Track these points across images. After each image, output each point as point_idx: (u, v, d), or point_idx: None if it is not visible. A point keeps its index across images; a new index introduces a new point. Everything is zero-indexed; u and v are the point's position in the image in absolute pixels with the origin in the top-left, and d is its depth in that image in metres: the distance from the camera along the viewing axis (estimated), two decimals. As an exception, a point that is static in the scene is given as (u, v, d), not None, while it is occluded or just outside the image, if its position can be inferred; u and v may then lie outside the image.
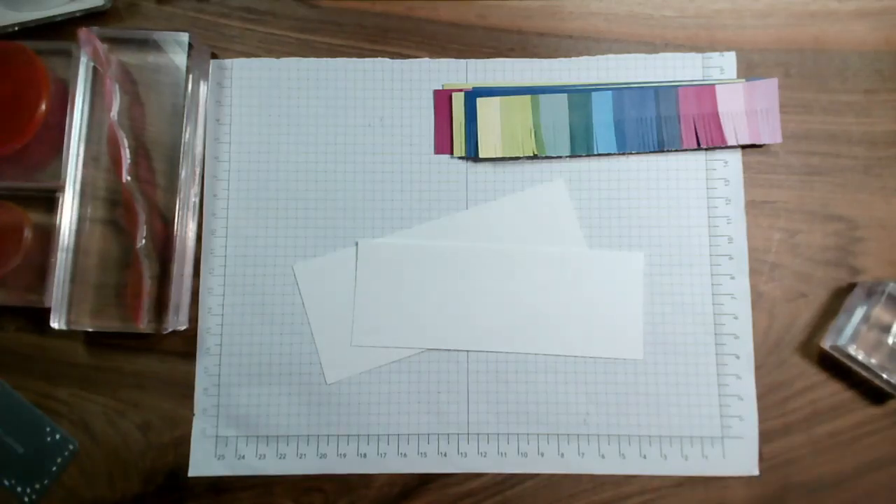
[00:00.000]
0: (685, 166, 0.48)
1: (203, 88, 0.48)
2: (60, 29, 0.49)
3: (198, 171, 0.48)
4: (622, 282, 0.47)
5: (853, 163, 0.49)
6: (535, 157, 0.48)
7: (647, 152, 0.48)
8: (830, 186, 0.48)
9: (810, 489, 0.46)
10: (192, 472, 0.46)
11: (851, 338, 0.44)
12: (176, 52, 0.47)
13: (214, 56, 0.50)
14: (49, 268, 0.45)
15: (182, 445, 0.46)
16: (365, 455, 0.46)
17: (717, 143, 0.48)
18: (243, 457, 0.46)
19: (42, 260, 0.46)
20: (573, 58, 0.50)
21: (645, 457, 0.46)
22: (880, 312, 0.44)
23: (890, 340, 0.44)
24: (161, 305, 0.45)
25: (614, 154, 0.48)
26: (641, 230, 0.48)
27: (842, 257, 0.48)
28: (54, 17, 0.49)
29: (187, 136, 0.46)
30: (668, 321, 0.47)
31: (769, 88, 0.48)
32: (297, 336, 0.47)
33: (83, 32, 0.46)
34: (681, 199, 0.48)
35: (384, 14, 0.50)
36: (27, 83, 0.46)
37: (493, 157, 0.48)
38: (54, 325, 0.44)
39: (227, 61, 0.50)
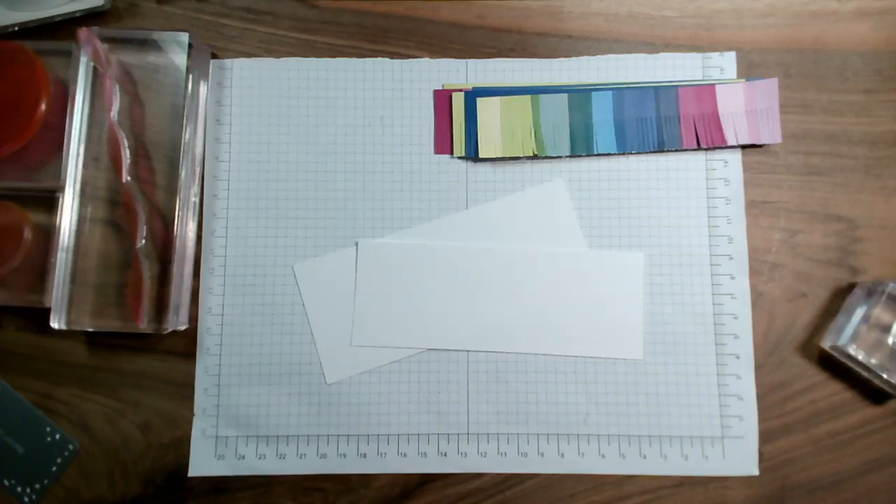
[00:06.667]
0: (685, 166, 0.48)
1: (203, 88, 0.48)
2: (60, 29, 0.49)
3: (198, 171, 0.48)
4: (622, 282, 0.47)
5: (853, 163, 0.49)
6: (535, 157, 0.48)
7: (647, 152, 0.48)
8: (830, 186, 0.48)
9: (810, 489, 0.46)
10: (192, 473, 0.46)
11: (851, 338, 0.44)
12: (176, 52, 0.47)
13: (214, 56, 0.50)
14: (49, 268, 0.45)
15: (182, 445, 0.46)
16: (365, 455, 0.46)
17: (717, 143, 0.48)
18: (243, 457, 0.46)
19: (42, 260, 0.46)
20: (573, 58, 0.50)
21: (645, 457, 0.46)
22: (880, 312, 0.44)
23: (890, 340, 0.44)
24: (161, 305, 0.45)
25: (614, 154, 0.48)
26: (641, 230, 0.48)
27: (842, 257, 0.48)
28: (54, 17, 0.49)
29: (187, 136, 0.46)
30: (668, 321, 0.47)
31: (769, 88, 0.48)
32: (297, 336, 0.47)
33: (83, 32, 0.46)
34: (681, 199, 0.48)
35: (384, 14, 0.50)
36: (27, 83, 0.46)
37: (493, 157, 0.48)
38: (54, 325, 0.44)
39: (227, 61, 0.50)
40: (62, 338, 0.47)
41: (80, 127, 0.46)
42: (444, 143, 0.49)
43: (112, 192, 0.46)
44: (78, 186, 0.46)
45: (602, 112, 0.48)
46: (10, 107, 0.46)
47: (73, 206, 0.46)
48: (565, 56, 0.50)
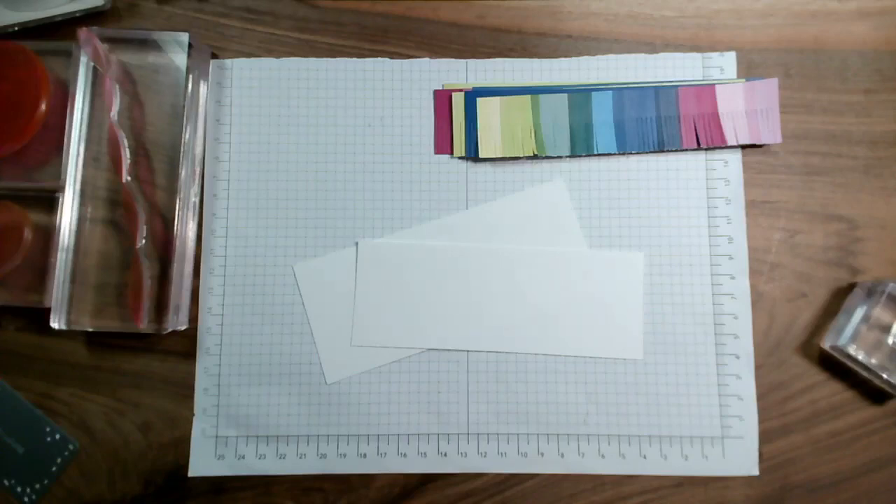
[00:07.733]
0: (685, 166, 0.48)
1: (203, 88, 0.48)
2: (60, 29, 0.49)
3: (198, 171, 0.48)
4: (622, 282, 0.47)
5: (853, 163, 0.49)
6: (535, 157, 0.48)
7: (647, 152, 0.48)
8: (830, 186, 0.48)
9: (810, 489, 0.46)
10: (192, 473, 0.46)
11: (851, 338, 0.44)
12: (176, 52, 0.47)
13: (214, 56, 0.50)
14: (49, 268, 0.45)
15: (182, 445, 0.46)
16: (365, 455, 0.46)
17: (717, 143, 0.48)
18: (243, 457, 0.46)
19: (42, 260, 0.46)
20: (573, 58, 0.50)
21: (645, 457, 0.46)
22: (880, 312, 0.44)
23: (890, 340, 0.44)
24: (161, 305, 0.45)
25: (614, 154, 0.48)
26: (641, 230, 0.48)
27: (842, 257, 0.48)
28: (54, 17, 0.49)
29: (187, 136, 0.46)
30: (668, 321, 0.47)
31: (769, 88, 0.48)
32: (297, 336, 0.47)
33: (83, 32, 0.46)
34: (681, 199, 0.48)
35: (384, 14, 0.50)
36: (27, 83, 0.46)
37: (493, 157, 0.48)
38: (54, 325, 0.44)
39: (227, 61, 0.50)
40: (62, 338, 0.47)
41: (80, 127, 0.46)
42: (444, 143, 0.49)
43: (112, 192, 0.46)
44: (78, 186, 0.46)
45: (602, 112, 0.48)
46: (10, 107, 0.46)
47: (73, 206, 0.46)
48: (565, 56, 0.50)
